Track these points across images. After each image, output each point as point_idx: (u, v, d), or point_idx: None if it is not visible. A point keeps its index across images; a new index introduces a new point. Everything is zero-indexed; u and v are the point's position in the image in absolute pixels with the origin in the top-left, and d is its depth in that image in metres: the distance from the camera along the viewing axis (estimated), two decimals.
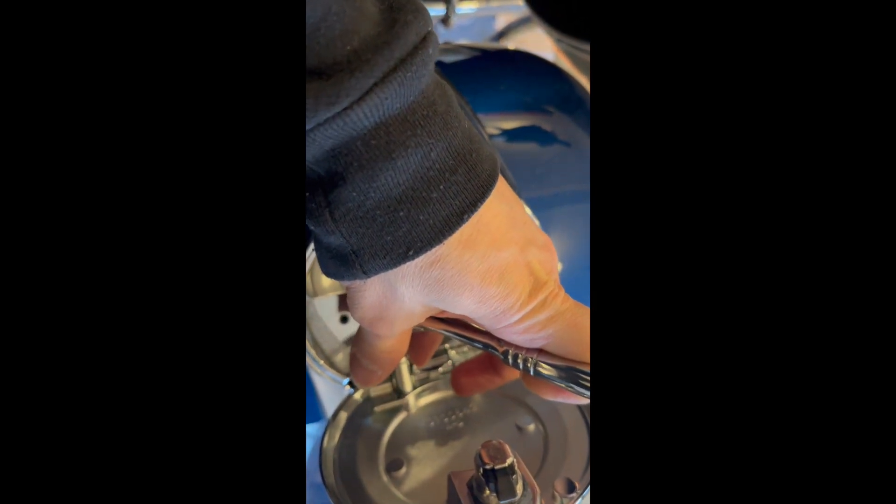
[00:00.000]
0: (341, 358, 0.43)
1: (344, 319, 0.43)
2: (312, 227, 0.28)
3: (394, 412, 0.41)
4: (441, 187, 0.27)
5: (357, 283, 0.30)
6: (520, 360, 0.31)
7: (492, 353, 0.32)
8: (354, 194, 0.26)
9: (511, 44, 1.00)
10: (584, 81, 0.59)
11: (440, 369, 0.43)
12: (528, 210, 0.45)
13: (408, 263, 0.28)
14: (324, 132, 0.25)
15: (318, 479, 0.56)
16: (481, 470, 0.30)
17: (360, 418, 0.40)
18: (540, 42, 0.91)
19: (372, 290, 0.30)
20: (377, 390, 0.42)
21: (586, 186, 0.53)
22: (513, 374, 0.38)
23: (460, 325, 0.33)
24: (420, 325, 0.34)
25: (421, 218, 0.27)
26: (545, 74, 0.56)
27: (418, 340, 0.39)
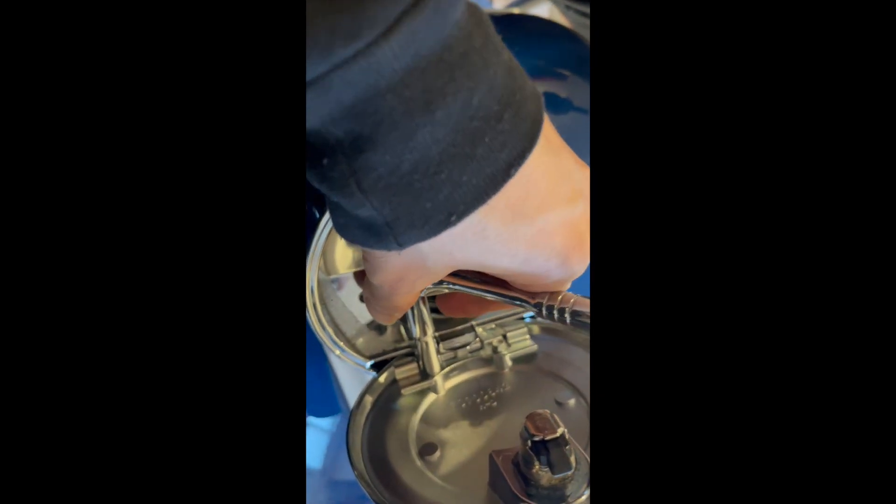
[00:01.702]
0: (363, 341, 0.41)
1: (364, 298, 0.40)
2: (334, 198, 0.24)
3: (422, 394, 0.38)
4: (486, 140, 0.23)
5: (381, 252, 0.27)
6: (555, 312, 0.29)
7: (523, 307, 0.30)
8: (388, 158, 0.22)
9: None
10: None
11: (468, 348, 0.41)
12: None
13: (447, 238, 0.25)
14: (343, 77, 0.20)
15: (339, 476, 0.54)
16: (529, 443, 0.28)
17: (387, 402, 0.38)
18: (543, 15, 0.89)
19: (398, 258, 0.27)
20: (403, 373, 0.39)
21: None
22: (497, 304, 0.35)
23: (489, 281, 0.31)
24: (446, 284, 0.32)
25: (464, 178, 0.23)
26: (557, 37, 0.54)
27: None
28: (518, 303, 0.30)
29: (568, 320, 0.28)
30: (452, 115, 0.22)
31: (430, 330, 0.38)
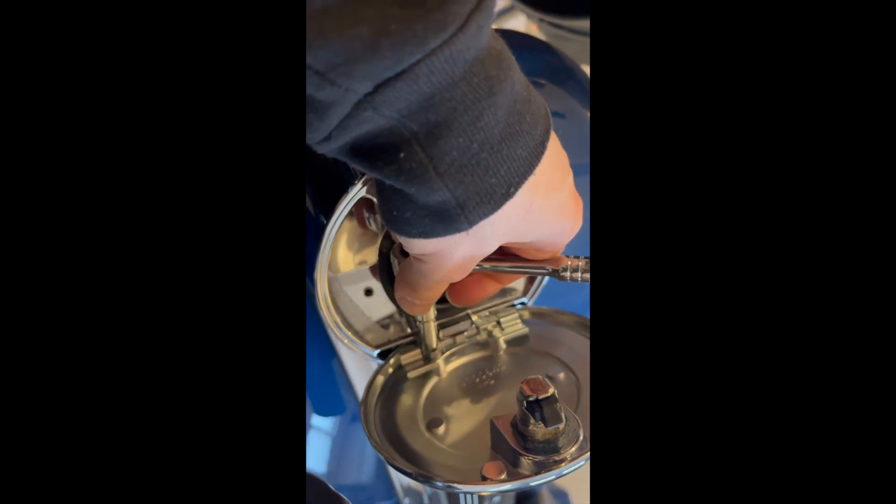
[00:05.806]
0: (370, 334, 0.44)
1: (368, 292, 0.44)
2: (410, 189, 0.27)
3: (426, 377, 0.42)
4: (528, 118, 0.27)
5: (447, 242, 0.30)
6: (568, 273, 0.34)
7: (544, 275, 0.36)
8: (461, 140, 0.26)
9: None
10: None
11: (465, 334, 0.44)
12: None
13: (503, 217, 0.28)
14: (429, 66, 0.23)
15: (343, 481, 0.57)
16: (524, 403, 0.32)
17: (395, 385, 0.41)
18: (519, 28, 0.93)
19: (465, 246, 0.30)
20: (407, 358, 0.43)
21: (585, 159, 0.54)
22: (509, 280, 0.40)
23: (508, 256, 0.36)
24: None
25: (517, 152, 0.27)
26: (531, 48, 0.58)
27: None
28: (540, 271, 0.35)
29: (580, 279, 0.34)
30: (506, 98, 0.26)
31: (433, 313, 0.42)
